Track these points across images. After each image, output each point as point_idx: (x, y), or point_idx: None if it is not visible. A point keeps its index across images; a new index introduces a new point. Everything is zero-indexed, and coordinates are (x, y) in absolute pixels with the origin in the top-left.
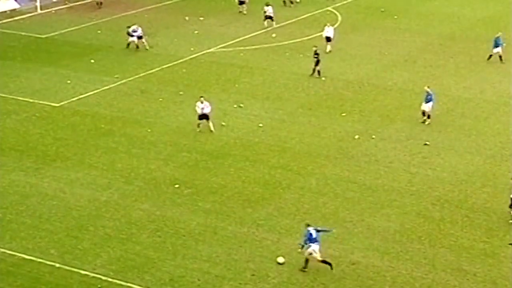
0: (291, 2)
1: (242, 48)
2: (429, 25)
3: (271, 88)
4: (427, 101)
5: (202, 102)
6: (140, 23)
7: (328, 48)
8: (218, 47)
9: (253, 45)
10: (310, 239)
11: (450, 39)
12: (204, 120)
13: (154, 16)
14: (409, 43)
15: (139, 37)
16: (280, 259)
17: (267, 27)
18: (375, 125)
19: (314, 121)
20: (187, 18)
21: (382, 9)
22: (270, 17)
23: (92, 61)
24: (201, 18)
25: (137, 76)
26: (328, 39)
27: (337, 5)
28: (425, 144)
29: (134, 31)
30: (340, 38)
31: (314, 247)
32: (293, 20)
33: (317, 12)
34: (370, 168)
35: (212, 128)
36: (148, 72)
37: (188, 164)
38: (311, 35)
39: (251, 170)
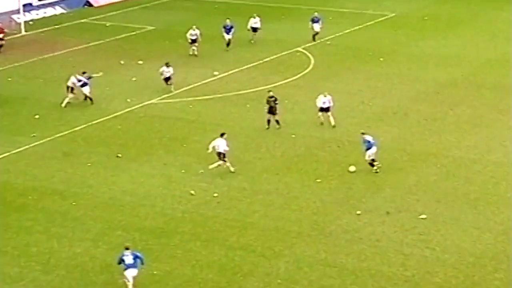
0: (227, 45)
1: (191, 98)
2: (423, 69)
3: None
4: (368, 148)
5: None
6: (62, 68)
7: (332, 121)
8: (162, 97)
9: (205, 95)
10: (126, 264)
11: (449, 87)
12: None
13: (81, 59)
14: (398, 91)
15: (83, 85)
16: (352, 168)
17: (170, 92)
18: (358, 193)
19: (282, 189)
20: (122, 62)
21: (382, 58)
22: (168, 78)
23: (37, 116)
24: (140, 62)
25: (59, 135)
26: (326, 109)
27: (309, 45)
28: (421, 217)
29: (79, 80)
30: (312, 86)
31: (130, 273)
32: (256, 63)
33: (284, 53)
34: (353, 248)
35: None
36: (73, 130)
37: (123, 246)
38: (277, 82)
39: (203, 252)
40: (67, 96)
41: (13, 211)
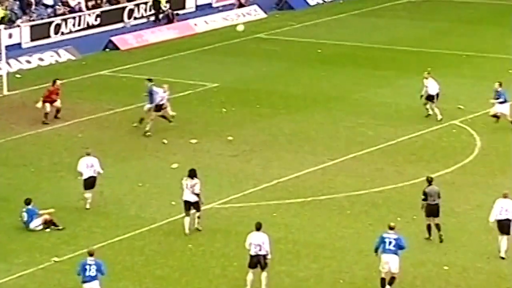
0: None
1: (275, 202)
2: None
3: None
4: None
5: None
6: (68, 151)
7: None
8: (229, 198)
9: (298, 197)
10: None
11: None
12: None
13: (97, 135)
14: None
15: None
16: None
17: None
18: None
19: None
20: (165, 141)
21: None
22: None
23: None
24: (194, 141)
25: (50, 263)
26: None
27: (473, 116)
28: None
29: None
30: (477, 185)
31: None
32: (383, 145)
33: (431, 129)
34: None
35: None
36: (76, 253)
37: None
38: (419, 177)
39: None
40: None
41: None
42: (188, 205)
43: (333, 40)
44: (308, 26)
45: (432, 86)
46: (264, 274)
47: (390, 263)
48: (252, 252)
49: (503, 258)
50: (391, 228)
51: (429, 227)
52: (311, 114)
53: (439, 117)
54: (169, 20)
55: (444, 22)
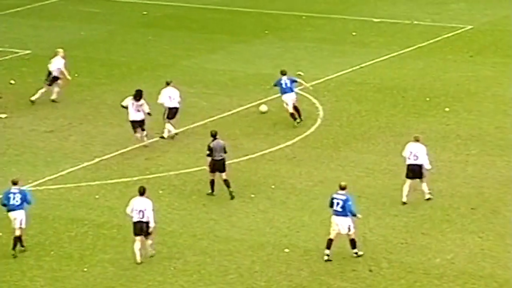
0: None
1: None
2: None
3: None
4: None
5: None
6: None
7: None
8: (39, 182)
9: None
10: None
11: None
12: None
13: None
14: (485, 167)
15: None
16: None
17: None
18: None
19: None
20: None
21: (447, 107)
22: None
23: None
24: (2, 116)
25: None
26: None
27: (317, 82)
28: None
29: None
30: (319, 159)
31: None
32: (218, 116)
33: (269, 99)
34: None
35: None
36: None
37: None
38: (257, 151)
39: None
40: None
41: None
42: (135, 124)
43: (159, 1)
44: None
45: (168, 98)
46: (148, 242)
47: (339, 225)
48: (135, 219)
49: (405, 203)
50: (342, 188)
51: (212, 183)
52: (137, 83)
53: (166, 134)
54: None
55: None
